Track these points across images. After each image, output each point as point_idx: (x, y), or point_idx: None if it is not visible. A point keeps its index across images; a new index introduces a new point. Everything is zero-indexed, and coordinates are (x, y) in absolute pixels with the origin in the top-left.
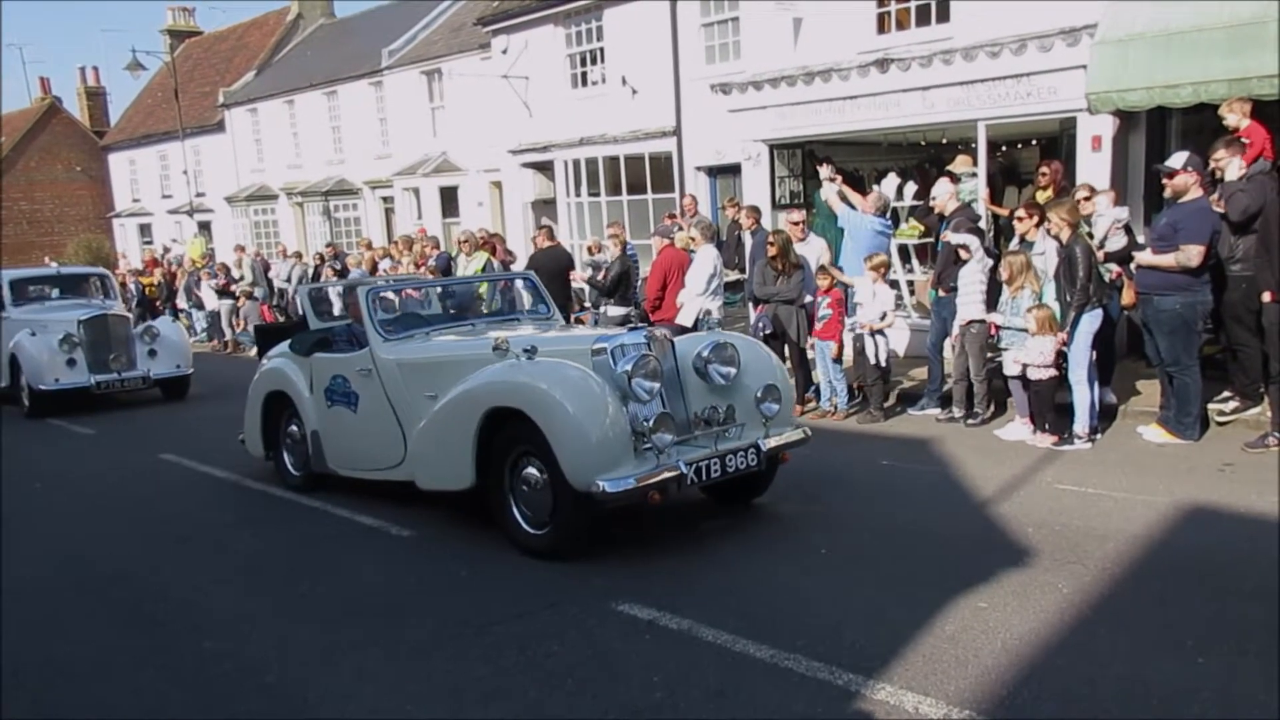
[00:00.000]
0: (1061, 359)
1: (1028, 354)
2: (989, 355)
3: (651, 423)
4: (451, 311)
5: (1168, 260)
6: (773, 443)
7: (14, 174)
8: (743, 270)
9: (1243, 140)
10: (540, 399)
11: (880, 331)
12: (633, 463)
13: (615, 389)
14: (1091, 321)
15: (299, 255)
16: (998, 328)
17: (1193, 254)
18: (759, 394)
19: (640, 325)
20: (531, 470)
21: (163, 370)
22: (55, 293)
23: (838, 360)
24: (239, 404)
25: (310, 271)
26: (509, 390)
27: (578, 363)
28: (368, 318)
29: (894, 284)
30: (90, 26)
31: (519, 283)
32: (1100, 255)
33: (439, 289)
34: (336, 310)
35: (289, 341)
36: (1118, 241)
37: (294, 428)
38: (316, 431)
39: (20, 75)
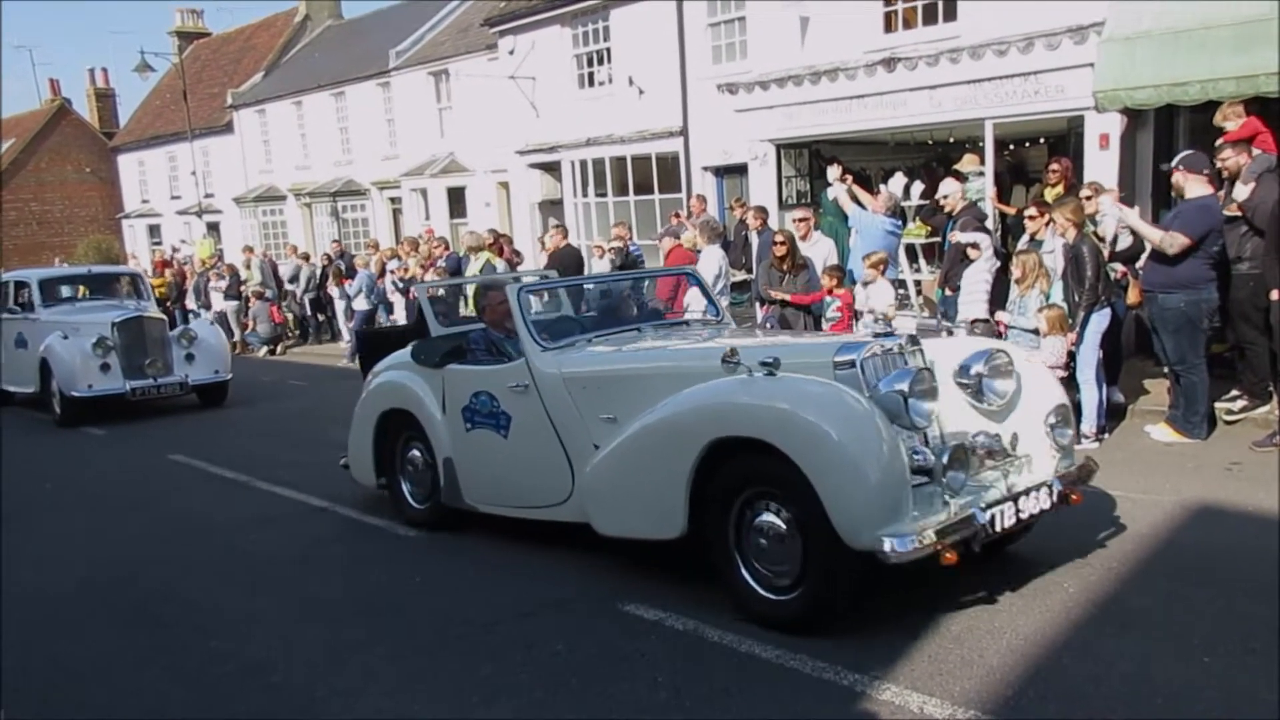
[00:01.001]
0: (1070, 358)
1: (1042, 355)
2: None
3: (945, 458)
4: (601, 314)
5: (1154, 234)
6: (1065, 477)
7: (24, 175)
8: (750, 270)
9: (1248, 142)
10: (796, 428)
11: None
12: (911, 510)
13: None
14: (1100, 321)
15: (306, 257)
16: (1006, 327)
17: (1176, 242)
18: (1051, 417)
19: (889, 331)
20: (769, 518)
21: (201, 376)
22: (83, 293)
23: None
24: (248, 405)
25: (318, 272)
26: (745, 415)
27: (819, 378)
28: (523, 322)
29: (901, 283)
30: (99, 28)
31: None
32: (1107, 254)
33: (591, 286)
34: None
35: (409, 350)
36: (1125, 240)
37: (415, 452)
38: (450, 459)
39: (30, 77)
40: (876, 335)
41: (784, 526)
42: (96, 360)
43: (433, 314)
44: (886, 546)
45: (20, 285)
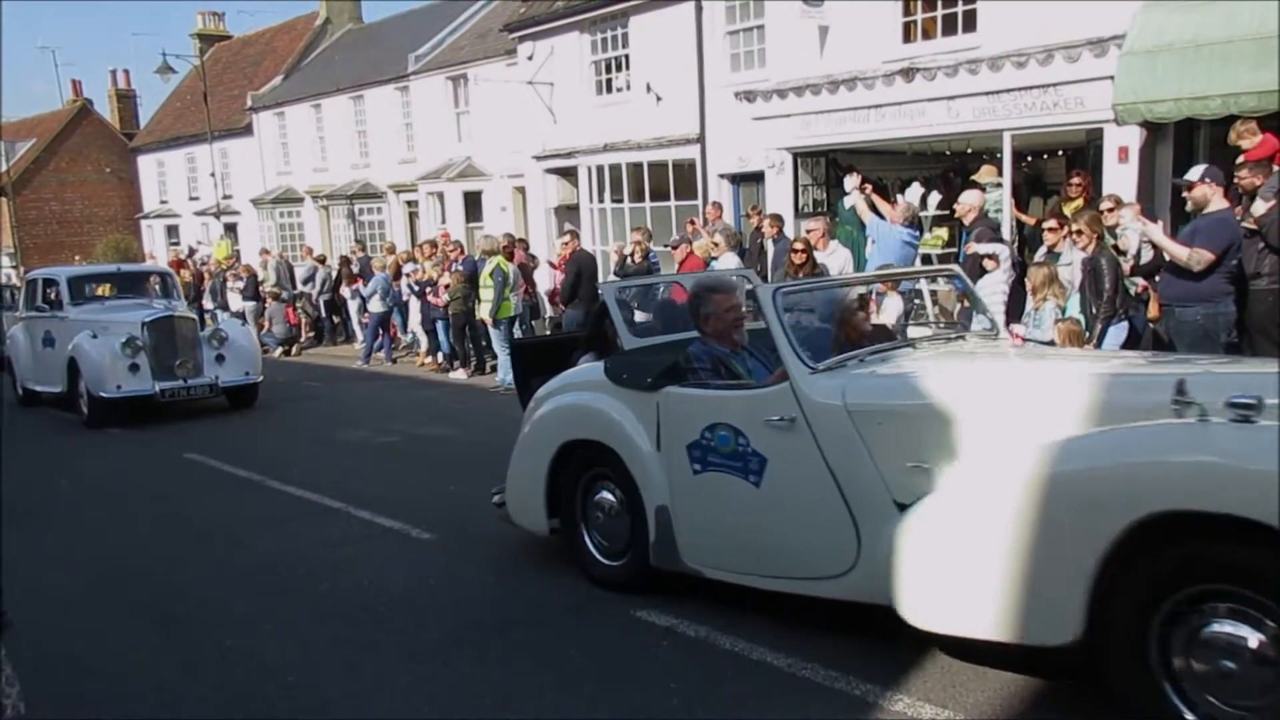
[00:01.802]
0: None
1: None
2: None
3: None
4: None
5: (1180, 252)
6: None
7: (44, 174)
8: (765, 278)
9: (1269, 161)
10: None
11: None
12: None
13: None
14: (1117, 334)
15: (322, 259)
16: (1023, 339)
17: (1202, 257)
18: None
19: None
20: (1231, 629)
21: (231, 377)
22: (106, 292)
23: None
24: (264, 405)
25: (333, 274)
26: (1222, 481)
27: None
28: (782, 333)
29: (917, 294)
30: (121, 30)
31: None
32: (1128, 268)
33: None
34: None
35: (600, 367)
36: (1147, 254)
37: (606, 495)
38: (666, 508)
39: (53, 77)
40: None
41: (1257, 641)
42: (125, 360)
43: (623, 321)
44: None
45: (48, 283)
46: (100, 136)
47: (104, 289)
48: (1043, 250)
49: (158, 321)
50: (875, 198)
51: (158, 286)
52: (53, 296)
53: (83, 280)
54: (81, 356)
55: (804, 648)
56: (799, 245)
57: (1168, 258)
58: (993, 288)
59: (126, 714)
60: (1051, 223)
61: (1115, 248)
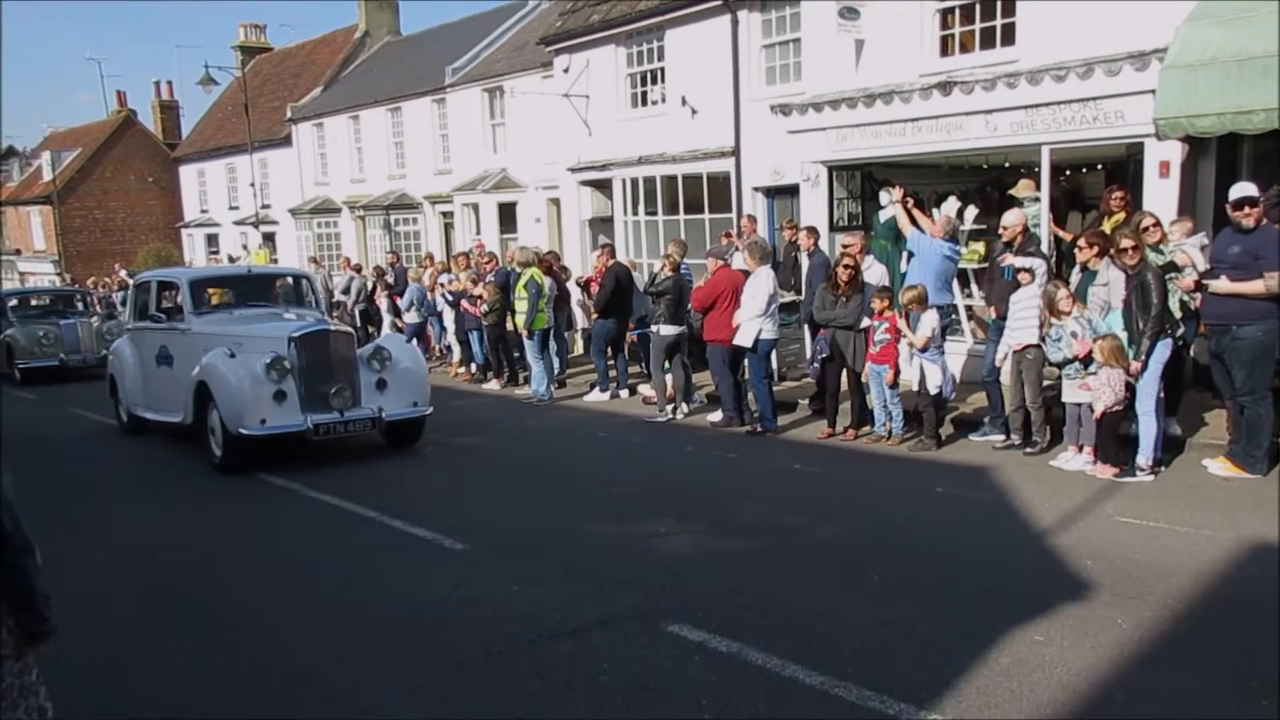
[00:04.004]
0: (1128, 389)
1: (1097, 386)
2: (1045, 383)
3: None
4: None
5: (1257, 287)
6: None
7: (89, 184)
8: (798, 291)
9: None
10: None
11: (939, 356)
12: None
13: None
14: (1162, 351)
15: (359, 268)
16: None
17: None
18: None
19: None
20: None
21: (397, 409)
22: (218, 299)
23: (894, 385)
24: None
25: (369, 284)
26: None
27: None
28: None
29: (954, 308)
30: (166, 42)
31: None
32: (1191, 284)
33: None
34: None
35: None
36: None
37: None
38: None
39: (98, 88)
40: None
41: None
42: (270, 386)
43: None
44: None
45: (165, 287)
46: (143, 146)
47: (217, 295)
48: (1077, 268)
49: (310, 337)
50: (915, 211)
51: (289, 293)
52: (170, 303)
53: (207, 284)
54: (216, 381)
55: (836, 665)
56: (848, 261)
57: (1218, 286)
58: (1027, 302)
59: (169, 715)
60: (1083, 241)
61: (1172, 264)
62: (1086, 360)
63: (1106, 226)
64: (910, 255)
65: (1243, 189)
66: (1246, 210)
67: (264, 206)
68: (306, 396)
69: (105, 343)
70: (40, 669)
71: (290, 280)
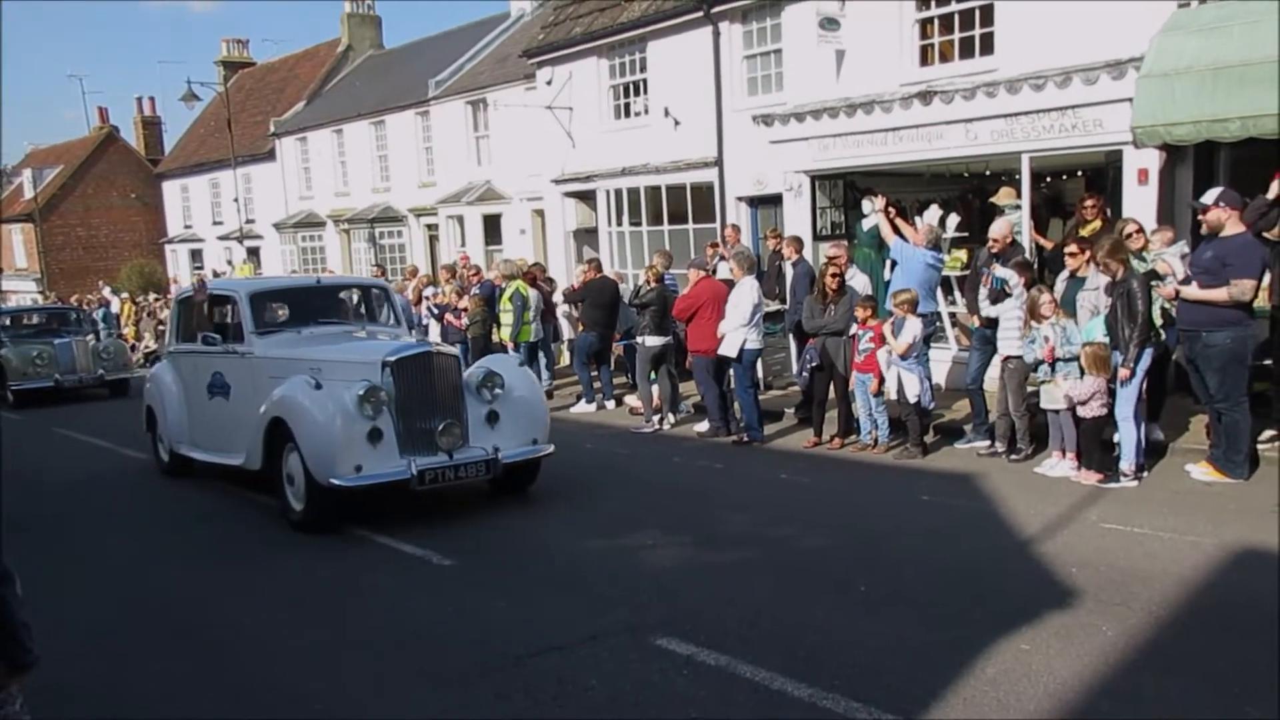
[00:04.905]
0: (1109, 395)
1: (1078, 390)
2: (1028, 389)
3: None
4: None
5: (1220, 295)
6: None
7: (71, 200)
8: (783, 301)
9: None
10: None
11: (916, 366)
12: None
13: None
14: (1146, 358)
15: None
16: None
17: (1246, 288)
18: None
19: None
20: None
21: (514, 448)
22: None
23: (878, 394)
24: None
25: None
26: None
27: None
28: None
29: (938, 316)
30: (148, 58)
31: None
32: (1172, 292)
33: None
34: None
35: None
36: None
37: None
38: None
39: (80, 105)
40: None
41: None
42: (364, 424)
43: None
44: None
45: (219, 301)
46: (126, 162)
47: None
48: (1064, 274)
49: (410, 361)
50: (898, 220)
51: (358, 306)
52: (226, 320)
53: (267, 297)
54: (298, 417)
55: (824, 677)
56: (835, 270)
57: (1188, 292)
58: (1012, 312)
59: None
60: (1073, 248)
61: (1154, 272)
62: (1054, 364)
63: (1084, 232)
64: (894, 263)
65: (1208, 195)
66: (1200, 216)
67: (248, 221)
68: (405, 435)
69: (102, 362)
70: (24, 700)
71: (361, 292)
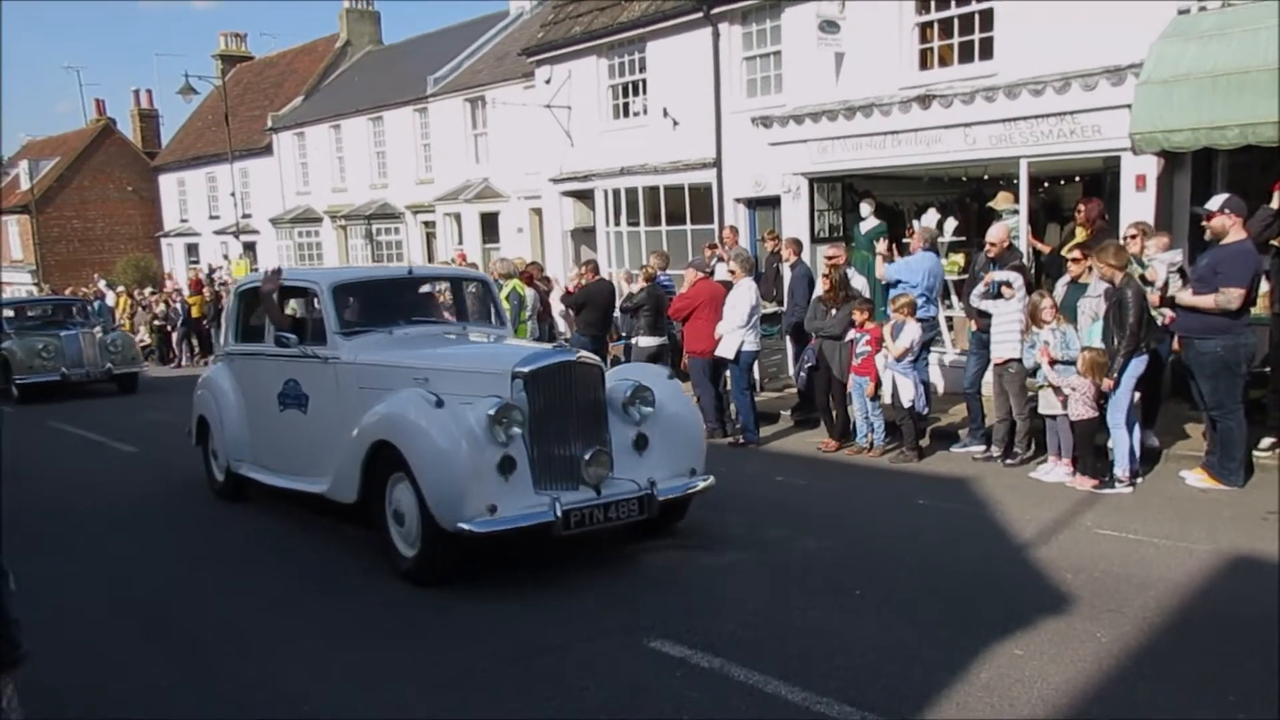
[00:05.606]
0: (1102, 399)
1: (1069, 391)
2: (1028, 394)
3: None
4: None
5: (1207, 302)
6: None
7: (67, 193)
8: (780, 302)
9: None
10: None
11: (912, 371)
12: None
13: None
14: (1137, 365)
15: None
16: (1053, 361)
17: (1233, 296)
18: None
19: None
20: None
21: (669, 481)
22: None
23: (874, 397)
24: None
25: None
26: None
27: None
28: None
29: (936, 322)
30: (145, 51)
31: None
32: (1156, 299)
33: None
34: None
35: None
36: (1175, 284)
37: None
38: None
39: (77, 97)
40: None
41: None
42: (495, 451)
43: None
44: None
45: (291, 294)
46: (123, 155)
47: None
48: (1065, 279)
49: (546, 372)
50: (894, 255)
51: (447, 303)
52: (303, 315)
53: (353, 290)
54: (413, 441)
55: (818, 681)
56: (827, 273)
57: (1181, 298)
58: (1010, 316)
59: None
60: (1075, 253)
61: (1142, 278)
62: (1053, 365)
63: (1080, 237)
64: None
65: (1212, 201)
66: (1203, 223)
67: (244, 216)
68: (541, 463)
69: (110, 355)
70: (16, 695)
71: (452, 285)
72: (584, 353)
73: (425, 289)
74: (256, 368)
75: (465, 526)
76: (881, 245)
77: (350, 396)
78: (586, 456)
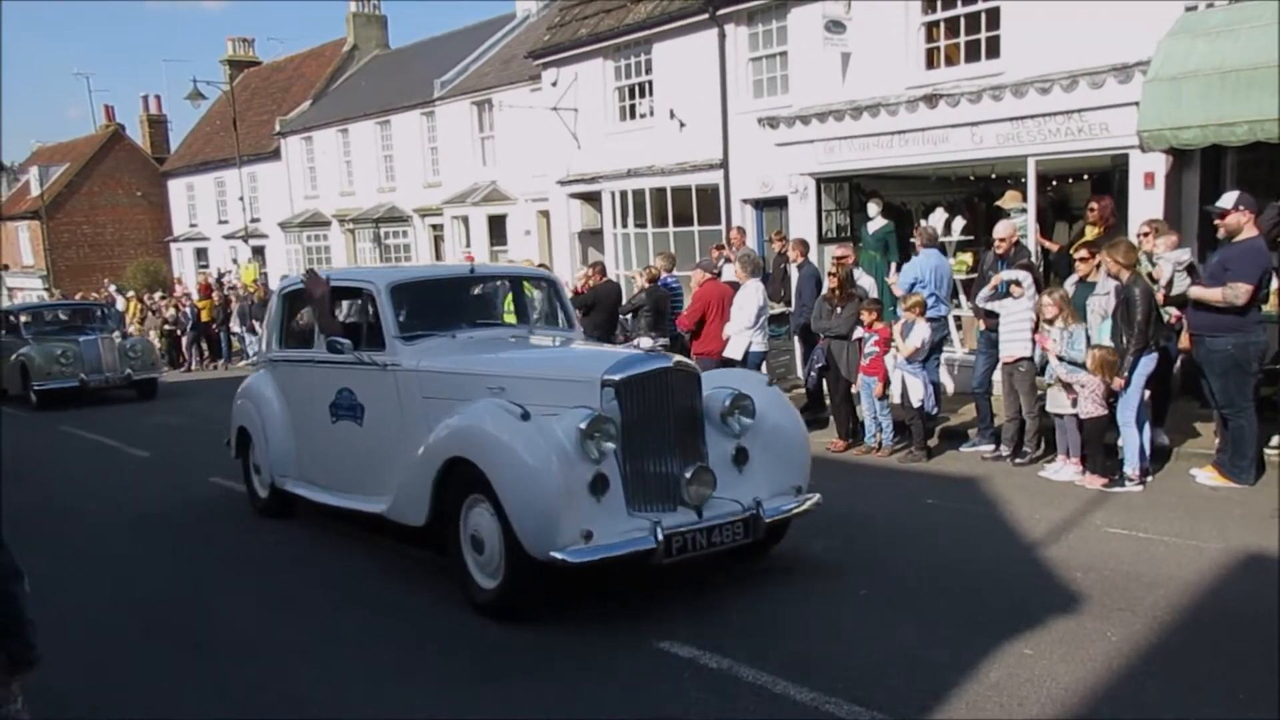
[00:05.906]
0: (1112, 397)
1: (1080, 384)
2: (1037, 393)
3: None
4: None
5: (1214, 294)
6: None
7: (77, 198)
8: (788, 303)
9: None
10: None
11: (920, 371)
12: None
13: None
14: (1147, 364)
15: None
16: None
17: (1240, 292)
18: None
19: None
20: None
21: (775, 500)
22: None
23: (883, 397)
24: None
25: None
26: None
27: None
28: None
29: (946, 322)
30: (154, 56)
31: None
32: (1161, 297)
33: None
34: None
35: None
36: (1182, 283)
37: None
38: None
39: (87, 103)
40: None
41: None
42: (586, 469)
43: None
44: None
45: (343, 296)
46: (132, 161)
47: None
48: (1074, 278)
49: (640, 380)
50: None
51: (500, 300)
52: (357, 318)
53: (413, 290)
54: (497, 459)
55: (826, 681)
56: (833, 270)
57: (1191, 291)
58: (1019, 315)
59: None
60: (1083, 252)
61: (1150, 276)
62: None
63: (1090, 234)
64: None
65: (1226, 199)
66: (1216, 221)
67: (253, 220)
68: (633, 483)
69: (129, 361)
70: (25, 698)
71: (513, 284)
72: (679, 357)
73: (482, 289)
74: (304, 376)
75: (558, 555)
76: (892, 274)
77: (413, 407)
78: (688, 474)
